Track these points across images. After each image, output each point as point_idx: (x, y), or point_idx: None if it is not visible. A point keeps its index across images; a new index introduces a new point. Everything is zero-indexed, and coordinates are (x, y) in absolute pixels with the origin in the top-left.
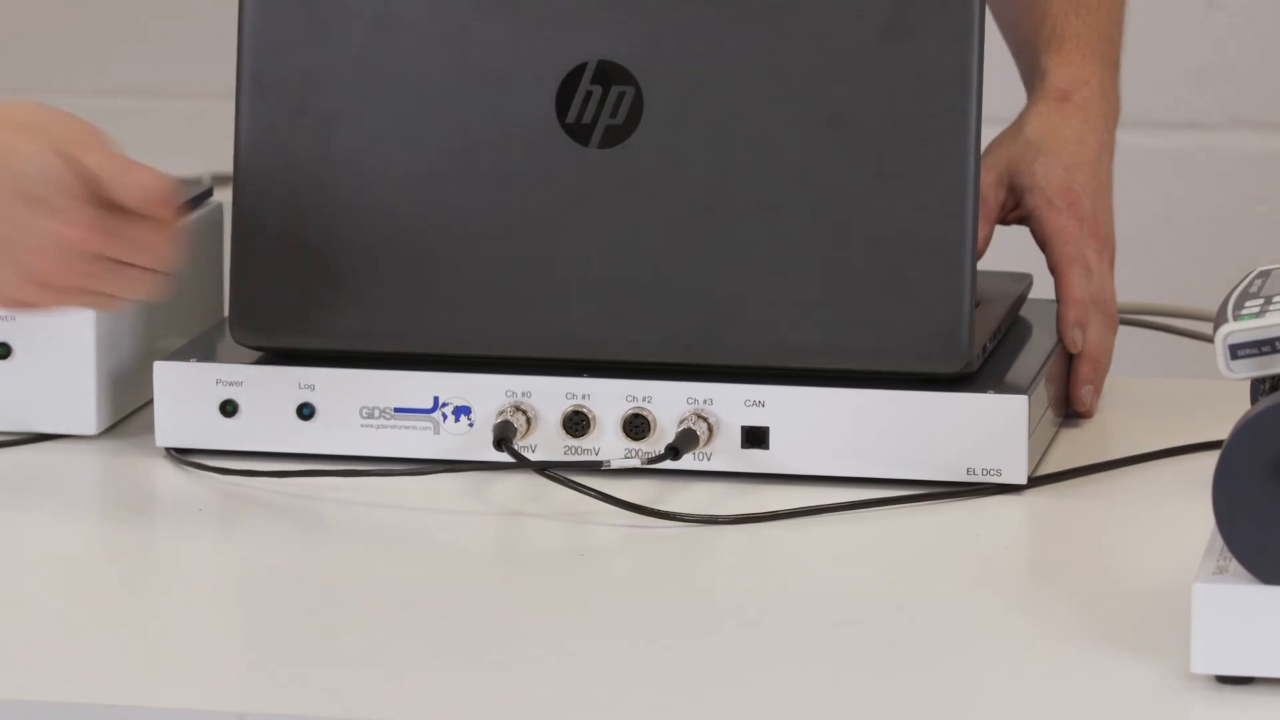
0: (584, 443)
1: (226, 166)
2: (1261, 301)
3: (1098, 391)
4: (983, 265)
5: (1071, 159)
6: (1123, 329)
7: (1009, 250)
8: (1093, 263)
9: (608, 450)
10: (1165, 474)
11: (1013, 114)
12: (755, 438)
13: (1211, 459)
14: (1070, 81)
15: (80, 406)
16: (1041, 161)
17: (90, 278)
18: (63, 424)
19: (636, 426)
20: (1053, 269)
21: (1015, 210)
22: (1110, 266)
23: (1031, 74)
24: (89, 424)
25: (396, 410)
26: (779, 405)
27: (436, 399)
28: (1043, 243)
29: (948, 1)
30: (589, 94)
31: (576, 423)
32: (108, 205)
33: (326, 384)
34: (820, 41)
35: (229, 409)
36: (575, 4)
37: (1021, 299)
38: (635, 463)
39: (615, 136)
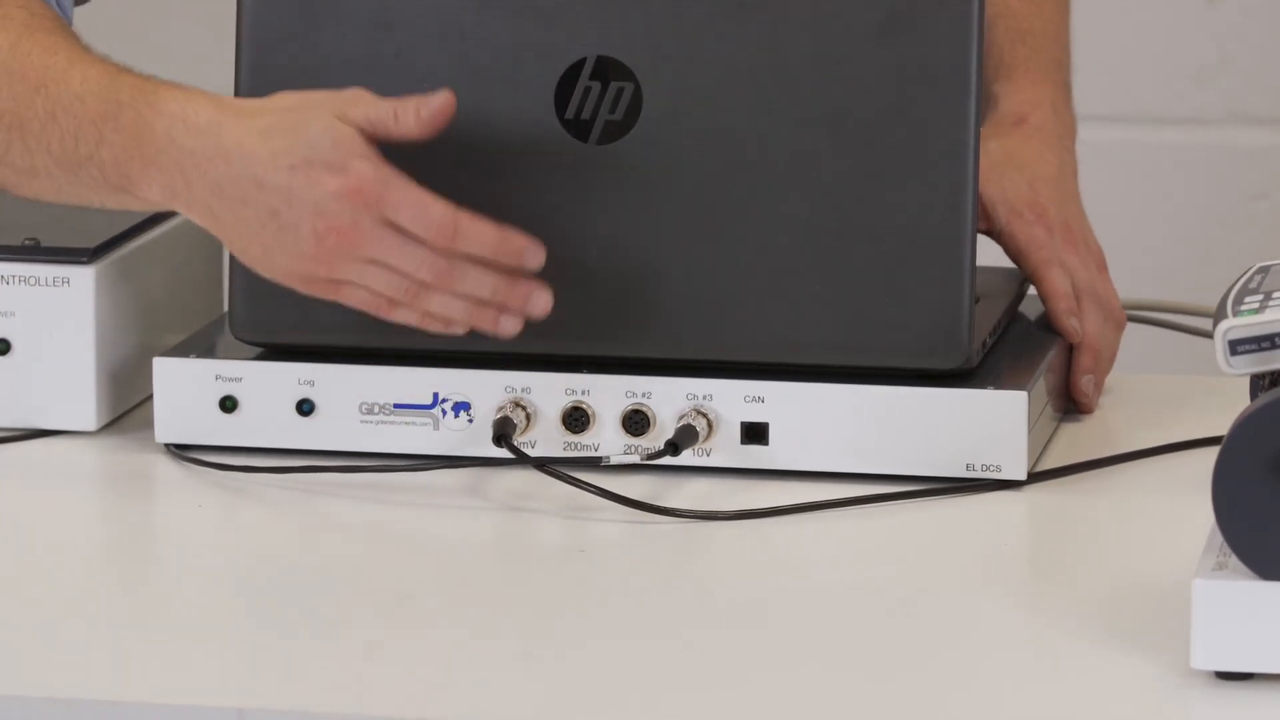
0: (583, 438)
1: None
2: (1261, 297)
3: (1099, 386)
4: (982, 262)
5: (1035, 174)
6: None
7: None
8: (1072, 263)
9: (607, 446)
10: (1165, 470)
11: None
12: (755, 433)
13: (1211, 455)
14: (1023, 105)
15: (80, 402)
16: (1008, 177)
17: (369, 237)
18: (62, 420)
19: (636, 422)
20: (1030, 276)
21: (983, 223)
22: (1101, 269)
23: (984, 104)
24: (89, 420)
25: (396, 406)
26: (778, 401)
27: (436, 395)
28: (1016, 255)
29: None
30: (588, 90)
31: (576, 418)
32: (385, 167)
33: (326, 380)
34: (819, 38)
35: (229, 405)
36: (574, 0)
37: (1021, 295)
38: (635, 458)
39: (614, 132)
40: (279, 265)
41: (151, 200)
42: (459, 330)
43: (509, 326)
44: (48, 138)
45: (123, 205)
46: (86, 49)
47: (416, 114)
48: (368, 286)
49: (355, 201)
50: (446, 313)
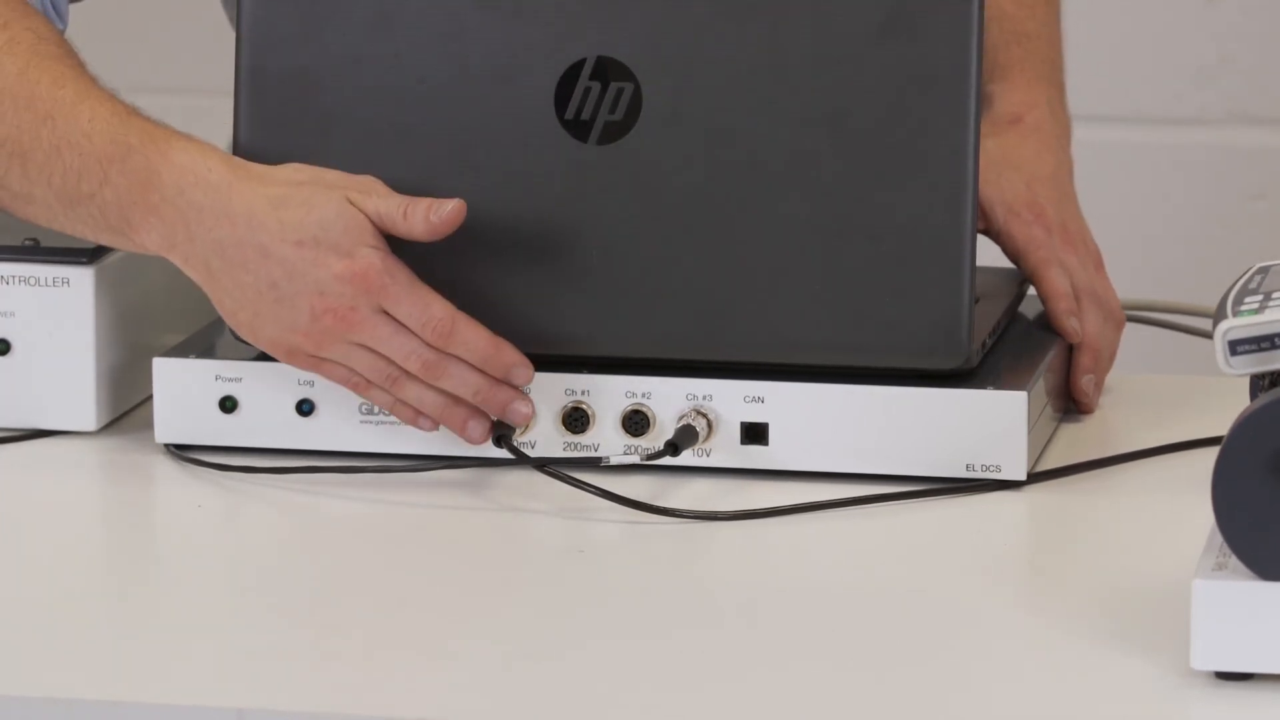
0: (583, 439)
1: None
2: (1261, 298)
3: (1099, 386)
4: (982, 262)
5: (1032, 174)
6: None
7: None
8: (1071, 263)
9: (607, 446)
10: (1164, 470)
11: None
12: (755, 434)
13: (1211, 455)
14: (1019, 105)
15: (80, 402)
16: (1005, 177)
17: (365, 324)
18: (62, 420)
19: (636, 423)
20: (1030, 276)
21: (981, 223)
22: (1099, 269)
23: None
24: (89, 420)
25: None
26: (778, 401)
27: None
28: (1015, 255)
29: None
30: (588, 90)
31: (576, 419)
32: (392, 258)
33: (326, 380)
34: (819, 38)
35: (228, 405)
36: (574, 0)
37: (1021, 295)
38: (634, 459)
39: (614, 132)
40: (265, 333)
41: (147, 247)
42: (426, 425)
43: (476, 432)
44: (50, 170)
45: (118, 246)
46: (94, 81)
47: (425, 218)
48: (350, 367)
49: (357, 286)
50: (420, 404)
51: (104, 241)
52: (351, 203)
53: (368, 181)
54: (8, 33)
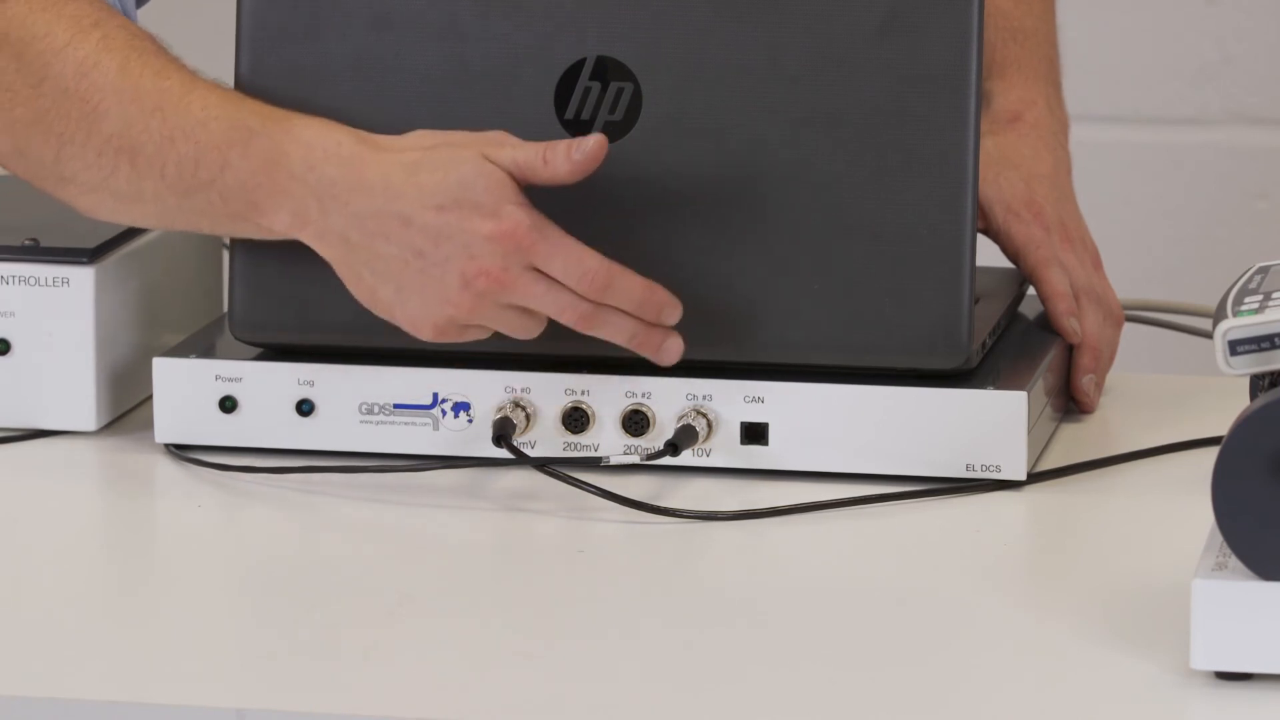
0: (583, 439)
1: None
2: (1261, 297)
3: (1099, 385)
4: (982, 262)
5: (1030, 172)
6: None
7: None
8: (1070, 262)
9: (607, 446)
10: (1164, 470)
11: None
12: (754, 434)
13: (1211, 455)
14: (1018, 102)
15: (80, 403)
16: (1004, 176)
17: (518, 283)
18: (62, 420)
19: (636, 422)
20: (1029, 275)
21: (980, 222)
22: (1097, 268)
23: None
24: (88, 420)
25: (396, 406)
26: (778, 401)
27: (436, 395)
28: (1014, 254)
29: None
30: (588, 90)
31: (576, 419)
32: (537, 213)
33: (326, 380)
34: (819, 38)
35: (228, 405)
36: (574, 0)
37: (1021, 295)
38: (634, 459)
39: (614, 132)
40: (412, 308)
41: (275, 229)
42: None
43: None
44: (162, 162)
45: (237, 233)
46: (196, 72)
47: (568, 156)
48: (501, 330)
49: (507, 246)
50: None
51: (221, 230)
52: (487, 158)
53: (497, 135)
54: (100, 30)
